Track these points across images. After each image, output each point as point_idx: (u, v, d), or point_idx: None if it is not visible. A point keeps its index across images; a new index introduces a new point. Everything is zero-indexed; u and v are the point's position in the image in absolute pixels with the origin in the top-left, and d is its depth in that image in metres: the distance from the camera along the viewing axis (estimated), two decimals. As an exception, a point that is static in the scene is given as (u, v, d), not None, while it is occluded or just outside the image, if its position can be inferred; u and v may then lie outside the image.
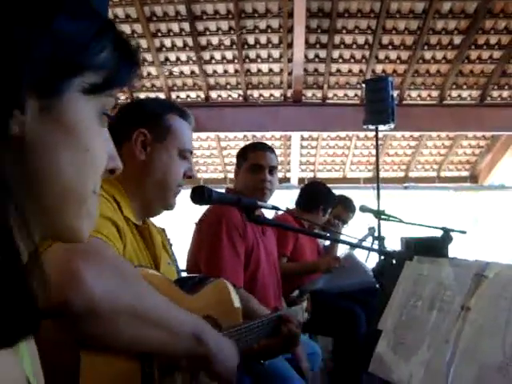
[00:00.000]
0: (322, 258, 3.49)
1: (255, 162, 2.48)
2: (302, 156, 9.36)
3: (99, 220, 1.15)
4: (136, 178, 1.40)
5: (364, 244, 3.45)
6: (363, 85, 4.80)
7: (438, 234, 2.91)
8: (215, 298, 1.42)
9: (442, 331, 1.15)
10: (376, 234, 4.07)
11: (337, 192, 4.81)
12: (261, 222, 1.55)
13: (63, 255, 0.92)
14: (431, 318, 1.21)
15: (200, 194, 1.37)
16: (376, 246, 3.68)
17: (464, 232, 2.85)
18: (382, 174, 9.62)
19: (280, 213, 3.39)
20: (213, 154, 9.36)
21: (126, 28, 6.95)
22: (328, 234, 3.83)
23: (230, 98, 7.99)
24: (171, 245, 3.30)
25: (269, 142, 8.82)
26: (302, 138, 8.92)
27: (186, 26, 6.94)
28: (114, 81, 0.65)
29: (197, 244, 2.29)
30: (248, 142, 8.74)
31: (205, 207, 2.32)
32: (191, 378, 1.24)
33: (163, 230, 2.90)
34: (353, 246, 2.35)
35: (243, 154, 2.54)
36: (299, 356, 2.33)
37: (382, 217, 3.10)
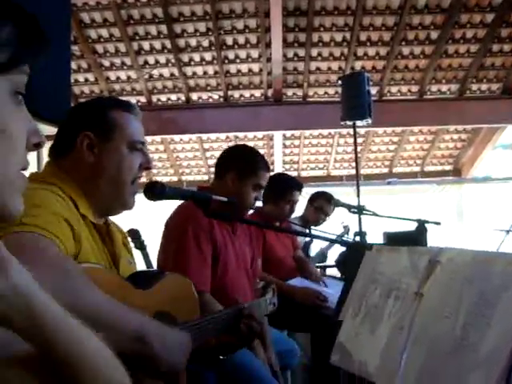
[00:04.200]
0: (304, 290, 3.37)
1: (261, 183, 2.43)
2: (285, 155, 9.37)
3: (52, 217, 1.15)
4: (89, 180, 1.40)
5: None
6: (339, 81, 4.81)
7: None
8: (171, 292, 1.40)
9: (397, 318, 1.15)
10: (350, 232, 4.12)
11: (320, 189, 4.90)
12: (219, 216, 1.54)
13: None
14: (388, 306, 1.21)
15: (152, 189, 1.36)
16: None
17: (438, 223, 2.87)
18: (366, 171, 9.69)
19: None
20: (196, 156, 9.34)
21: (103, 32, 6.94)
22: (305, 231, 3.81)
23: (210, 100, 7.99)
24: (145, 246, 3.28)
25: (251, 143, 8.86)
26: (285, 138, 8.94)
27: (164, 28, 6.93)
28: (21, 57, 0.64)
29: (164, 246, 2.26)
30: (231, 144, 8.79)
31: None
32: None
33: (134, 230, 2.87)
34: (329, 241, 2.34)
35: (253, 168, 2.41)
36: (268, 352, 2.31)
37: (355, 211, 3.11)
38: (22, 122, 0.65)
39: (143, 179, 1.55)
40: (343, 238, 3.87)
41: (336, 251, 4.55)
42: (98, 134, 1.42)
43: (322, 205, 4.46)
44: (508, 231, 4.60)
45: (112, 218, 1.58)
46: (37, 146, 0.70)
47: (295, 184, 3.67)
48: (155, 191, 1.37)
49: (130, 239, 1.87)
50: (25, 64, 0.65)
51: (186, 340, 1.24)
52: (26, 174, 0.70)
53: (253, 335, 1.58)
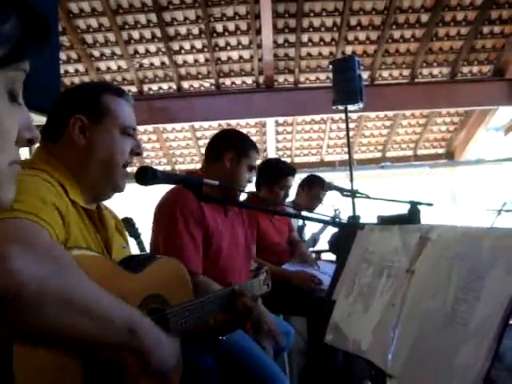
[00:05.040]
0: (299, 274, 3.42)
1: (254, 164, 2.50)
2: (278, 142, 9.37)
3: (41, 204, 1.15)
4: (80, 163, 1.40)
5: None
6: (330, 66, 4.80)
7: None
8: (163, 275, 1.41)
9: (389, 296, 1.17)
10: (342, 216, 4.15)
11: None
12: (210, 199, 1.55)
13: None
14: (380, 284, 1.22)
15: (144, 174, 1.37)
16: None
17: (431, 204, 2.88)
18: (359, 156, 9.70)
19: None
20: (188, 145, 9.33)
21: (92, 22, 6.89)
22: (297, 213, 3.82)
23: (202, 88, 7.96)
24: (139, 234, 3.28)
25: (244, 130, 8.82)
26: (277, 124, 8.93)
27: (153, 16, 6.88)
28: (20, 53, 0.63)
29: (154, 231, 2.27)
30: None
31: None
32: (135, 378, 1.20)
33: (127, 219, 2.86)
34: (322, 222, 2.36)
35: (246, 148, 2.47)
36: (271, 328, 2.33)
37: (348, 194, 3.12)
38: (15, 117, 0.66)
39: (135, 168, 1.55)
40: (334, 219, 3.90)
41: (329, 234, 4.59)
42: (91, 117, 1.42)
43: (318, 192, 4.47)
44: (499, 211, 4.65)
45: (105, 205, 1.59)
46: (30, 142, 0.71)
47: (289, 169, 3.69)
48: (146, 176, 1.38)
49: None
50: (23, 60, 0.64)
51: (175, 343, 1.23)
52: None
53: (248, 312, 1.60)
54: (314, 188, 4.47)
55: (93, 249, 1.31)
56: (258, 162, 2.83)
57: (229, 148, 2.43)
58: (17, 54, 0.62)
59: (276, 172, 3.60)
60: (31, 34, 0.63)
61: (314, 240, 4.93)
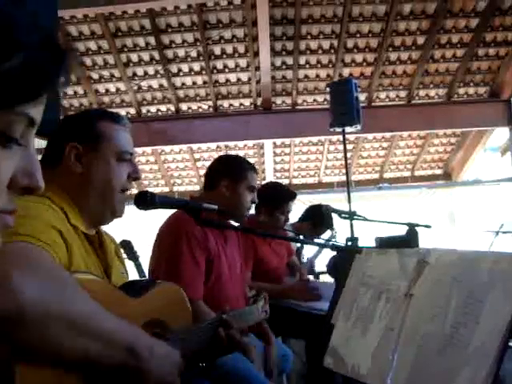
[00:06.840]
0: (295, 285, 3.41)
1: (253, 185, 2.50)
2: (275, 163, 9.40)
3: (42, 227, 1.16)
4: (79, 190, 1.41)
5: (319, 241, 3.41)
6: (327, 88, 4.84)
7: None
8: (163, 300, 1.41)
9: (388, 320, 1.16)
10: (339, 237, 4.16)
11: (312, 197, 4.91)
12: (210, 224, 1.55)
13: None
14: (378, 308, 1.22)
15: (143, 199, 1.38)
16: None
17: (429, 226, 2.88)
18: (357, 177, 9.73)
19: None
20: (187, 167, 9.35)
21: (92, 45, 6.95)
22: (296, 237, 3.81)
23: (200, 110, 8.00)
24: (137, 256, 3.28)
25: (242, 152, 8.89)
26: (275, 146, 8.96)
27: (152, 39, 6.94)
28: (12, 99, 0.52)
29: (156, 255, 2.26)
30: (222, 153, 8.81)
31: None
32: None
33: (126, 241, 2.85)
34: (320, 246, 2.35)
35: (240, 172, 2.47)
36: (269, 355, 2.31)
37: (346, 216, 3.12)
38: (8, 161, 0.57)
39: (134, 190, 1.56)
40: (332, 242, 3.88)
41: (326, 257, 4.59)
42: (86, 145, 1.43)
43: (319, 228, 4.45)
44: (497, 232, 4.65)
45: (105, 229, 1.59)
46: (28, 190, 0.62)
47: (290, 195, 3.66)
48: (145, 200, 1.39)
49: (122, 250, 1.87)
50: (21, 104, 0.54)
51: (176, 355, 1.23)
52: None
53: (233, 343, 1.57)
54: (320, 226, 4.41)
55: (94, 273, 1.31)
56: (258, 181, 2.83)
57: (223, 175, 2.44)
58: (7, 99, 0.52)
59: (277, 197, 3.57)
60: (37, 79, 0.53)
61: (311, 265, 4.90)
